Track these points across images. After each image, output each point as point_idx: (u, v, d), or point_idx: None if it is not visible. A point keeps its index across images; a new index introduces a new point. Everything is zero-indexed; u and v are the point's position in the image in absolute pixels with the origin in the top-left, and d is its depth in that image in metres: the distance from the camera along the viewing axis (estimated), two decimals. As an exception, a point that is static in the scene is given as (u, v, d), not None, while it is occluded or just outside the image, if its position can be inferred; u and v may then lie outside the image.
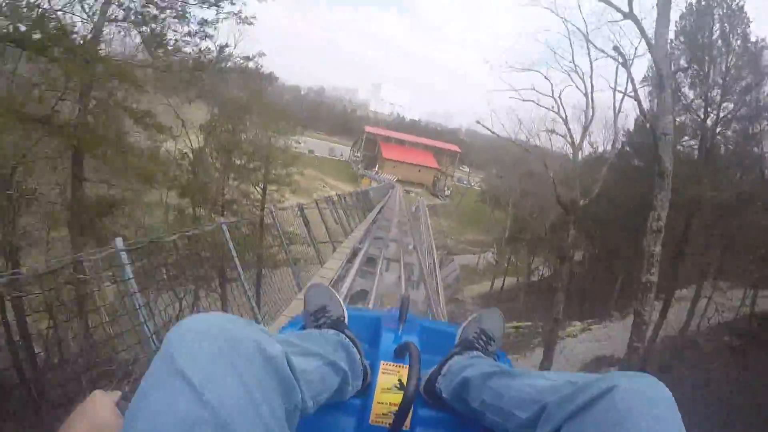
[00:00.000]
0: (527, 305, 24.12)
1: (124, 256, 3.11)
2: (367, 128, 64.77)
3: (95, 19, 8.94)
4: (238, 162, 15.07)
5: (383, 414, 0.93)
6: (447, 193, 59.49)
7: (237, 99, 15.84)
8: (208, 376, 0.49)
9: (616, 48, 11.08)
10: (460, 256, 36.91)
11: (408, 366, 0.88)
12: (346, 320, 1.10)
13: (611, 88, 12.30)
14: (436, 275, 10.73)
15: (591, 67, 12.85)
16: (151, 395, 0.48)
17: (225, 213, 13.88)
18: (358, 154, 63.13)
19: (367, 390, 0.97)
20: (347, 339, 0.97)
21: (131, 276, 3.15)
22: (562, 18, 12.41)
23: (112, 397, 0.63)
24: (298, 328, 1.15)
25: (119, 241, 3.15)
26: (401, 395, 0.83)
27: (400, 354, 1.02)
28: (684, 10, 15.72)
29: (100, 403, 0.61)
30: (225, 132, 15.07)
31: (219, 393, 0.48)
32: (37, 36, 7.53)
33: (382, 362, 1.02)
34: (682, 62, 15.29)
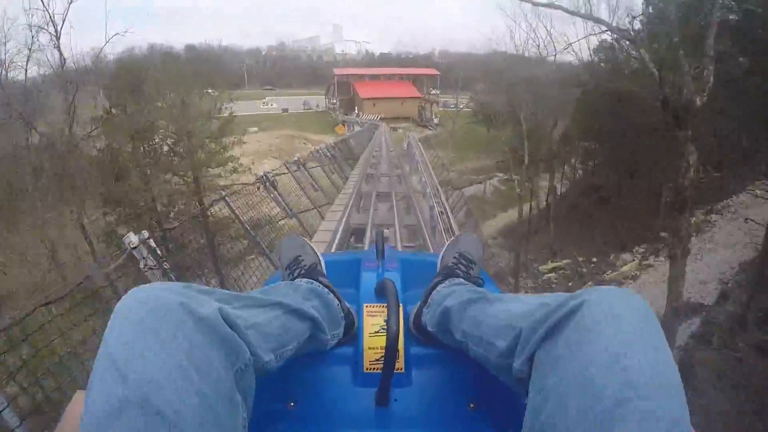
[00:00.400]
0: (559, 237, 20.50)
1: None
2: (337, 71, 59.74)
3: None
4: (162, 150, 12.17)
5: (376, 360, 0.87)
6: (435, 121, 55.80)
7: (124, 72, 12.69)
8: (131, 352, 0.48)
9: None
10: (467, 188, 34.55)
11: (386, 305, 0.86)
12: (322, 267, 1.05)
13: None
14: (448, 216, 8.47)
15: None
16: (91, 384, 0.48)
17: (160, 221, 11.02)
18: (335, 101, 58.97)
19: (355, 337, 0.93)
20: (320, 285, 0.92)
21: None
22: None
23: None
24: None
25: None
26: None
27: (380, 293, 0.98)
28: None
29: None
30: (125, 116, 11.96)
31: (142, 369, 0.47)
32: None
33: (365, 305, 0.98)
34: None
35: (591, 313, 0.54)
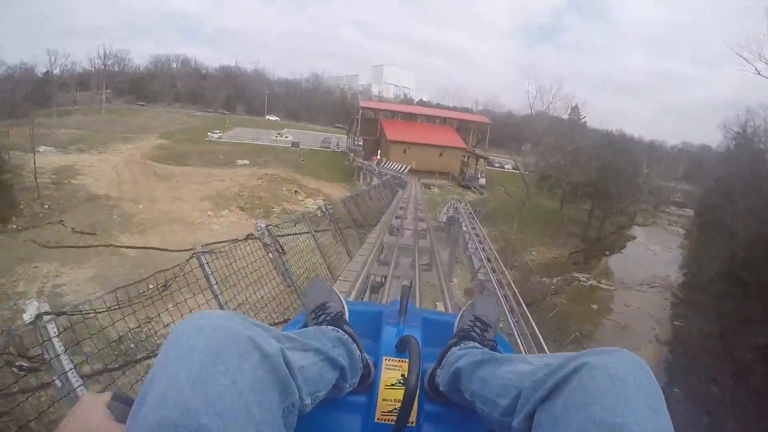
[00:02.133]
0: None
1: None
2: (363, 103, 47.61)
3: None
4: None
5: (389, 411, 0.91)
6: (482, 182, 42.68)
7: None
8: (198, 376, 0.49)
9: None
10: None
11: (408, 361, 0.86)
12: (347, 315, 1.08)
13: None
14: None
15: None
16: (144, 398, 0.49)
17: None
18: (359, 142, 47.06)
19: (371, 387, 0.96)
20: (346, 335, 0.94)
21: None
22: None
23: (102, 399, 0.62)
24: (298, 327, 1.10)
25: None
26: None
27: (401, 348, 1.00)
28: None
29: (90, 405, 0.61)
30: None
31: (206, 395, 0.48)
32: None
33: (384, 358, 1.00)
34: None
35: (591, 375, 0.55)
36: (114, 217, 22.66)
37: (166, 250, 18.18)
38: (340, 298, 1.13)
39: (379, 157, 38.35)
